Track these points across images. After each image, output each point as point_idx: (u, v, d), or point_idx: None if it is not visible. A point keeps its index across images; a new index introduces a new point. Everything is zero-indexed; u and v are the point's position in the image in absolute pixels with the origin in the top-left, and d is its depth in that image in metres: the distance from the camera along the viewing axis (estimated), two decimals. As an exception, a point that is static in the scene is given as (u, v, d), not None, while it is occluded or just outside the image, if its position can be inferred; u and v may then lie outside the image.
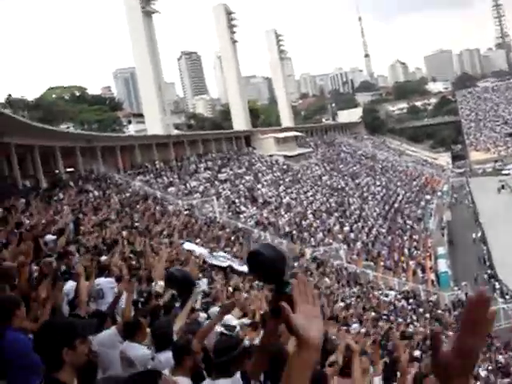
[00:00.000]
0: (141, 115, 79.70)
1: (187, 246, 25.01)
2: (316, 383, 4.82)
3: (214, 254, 25.96)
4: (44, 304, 6.01)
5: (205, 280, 14.66)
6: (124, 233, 23.24)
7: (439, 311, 35.03)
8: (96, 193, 32.66)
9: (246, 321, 11.05)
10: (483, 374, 19.11)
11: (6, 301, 4.97)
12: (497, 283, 41.27)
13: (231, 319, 10.35)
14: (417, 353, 15.84)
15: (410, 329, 25.85)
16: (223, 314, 5.87)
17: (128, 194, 35.51)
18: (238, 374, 4.17)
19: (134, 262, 16.10)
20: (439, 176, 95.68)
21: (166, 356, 5.18)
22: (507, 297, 38.63)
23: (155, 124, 61.63)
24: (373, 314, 26.84)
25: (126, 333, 5.82)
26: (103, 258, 14.79)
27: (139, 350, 5.59)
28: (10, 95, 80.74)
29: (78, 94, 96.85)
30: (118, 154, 43.42)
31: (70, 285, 8.66)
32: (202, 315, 9.62)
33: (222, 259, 25.28)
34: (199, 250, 25.09)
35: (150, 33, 62.29)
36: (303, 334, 1.69)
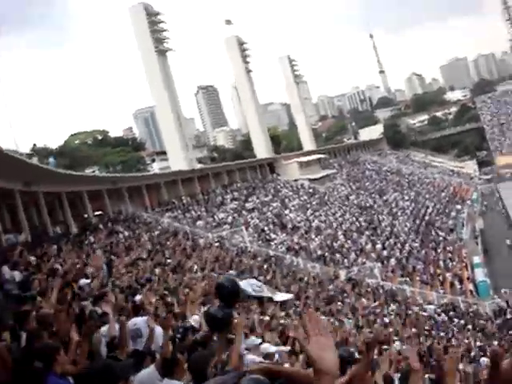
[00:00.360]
0: (164, 153, 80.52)
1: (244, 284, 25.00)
2: None
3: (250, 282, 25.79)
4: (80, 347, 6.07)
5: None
6: (157, 270, 23.36)
7: (481, 321, 34.39)
8: (126, 233, 32.91)
9: (284, 348, 10.99)
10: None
11: (46, 348, 5.05)
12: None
13: (269, 347, 10.31)
14: (461, 366, 15.53)
15: (453, 342, 25.43)
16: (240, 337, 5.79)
17: (158, 232, 35.72)
18: None
19: (168, 299, 16.16)
20: (467, 184, 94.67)
21: None
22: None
23: (178, 160, 62.17)
24: (413, 330, 26.47)
25: (165, 370, 5.83)
26: (138, 297, 14.88)
27: None
28: (34, 145, 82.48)
29: (100, 137, 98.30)
30: (144, 193, 43.79)
31: (107, 327, 8.75)
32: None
33: (258, 289, 25.14)
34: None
35: (165, 71, 63.28)
36: (318, 364, 1.82)
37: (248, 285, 22.41)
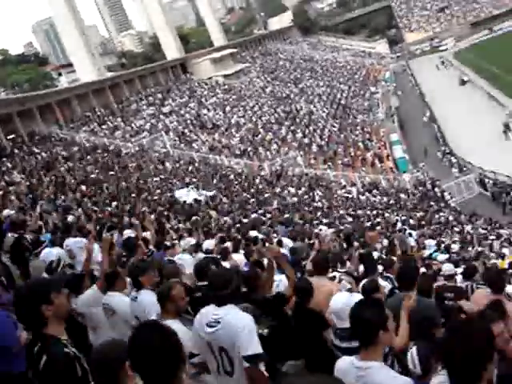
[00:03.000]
0: (70, 65, 77.20)
1: (178, 193, 25.40)
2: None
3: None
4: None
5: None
6: (83, 187, 23.00)
7: (402, 195, 35.94)
8: (44, 154, 31.98)
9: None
10: (455, 246, 19.86)
11: None
12: (453, 158, 42.32)
13: (209, 244, 10.65)
14: (385, 242, 16.36)
15: (379, 219, 26.57)
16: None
17: (76, 148, 34.87)
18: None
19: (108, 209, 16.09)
20: (380, 64, 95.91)
21: (146, 295, 5.33)
22: (465, 169, 39.72)
23: (86, 71, 59.89)
24: (341, 212, 27.47)
25: (107, 284, 5.95)
26: (70, 217, 14.69)
27: (119, 298, 5.73)
28: None
29: (0, 57, 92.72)
30: (56, 110, 42.24)
31: (45, 252, 8.71)
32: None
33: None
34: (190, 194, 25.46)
35: (59, -22, 59.47)
36: None
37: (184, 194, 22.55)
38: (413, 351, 3.97)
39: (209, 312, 4.11)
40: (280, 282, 6.36)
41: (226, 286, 4.14)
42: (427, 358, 3.84)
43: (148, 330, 2.89)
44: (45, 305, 3.31)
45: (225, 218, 20.15)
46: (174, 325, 4.14)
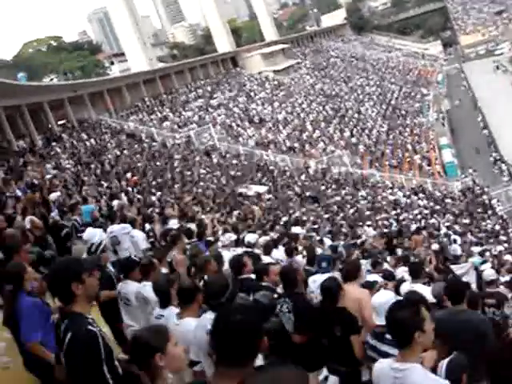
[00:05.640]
0: (122, 54, 78.17)
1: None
2: None
3: None
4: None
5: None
6: (128, 175, 23.27)
7: (448, 200, 35.25)
8: (92, 141, 32.41)
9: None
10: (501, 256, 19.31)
11: (14, 269, 5.20)
12: (503, 165, 41.25)
13: (252, 237, 10.54)
14: (435, 246, 16.00)
15: (423, 223, 26.14)
16: None
17: (124, 137, 35.24)
18: None
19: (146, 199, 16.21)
20: (432, 66, 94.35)
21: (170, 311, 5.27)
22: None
23: (138, 60, 60.48)
24: (384, 214, 27.10)
25: (142, 274, 6.01)
26: (115, 202, 14.85)
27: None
28: (-14, 58, 79.28)
29: (54, 44, 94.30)
30: (106, 98, 42.73)
31: (88, 232, 8.79)
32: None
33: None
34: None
35: (116, -34, 60.18)
36: None
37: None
38: (444, 362, 3.83)
39: (207, 319, 4.06)
40: (313, 283, 6.28)
41: (221, 294, 4.11)
42: (457, 371, 3.70)
43: (231, 310, 2.81)
44: (76, 283, 3.36)
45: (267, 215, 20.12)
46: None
